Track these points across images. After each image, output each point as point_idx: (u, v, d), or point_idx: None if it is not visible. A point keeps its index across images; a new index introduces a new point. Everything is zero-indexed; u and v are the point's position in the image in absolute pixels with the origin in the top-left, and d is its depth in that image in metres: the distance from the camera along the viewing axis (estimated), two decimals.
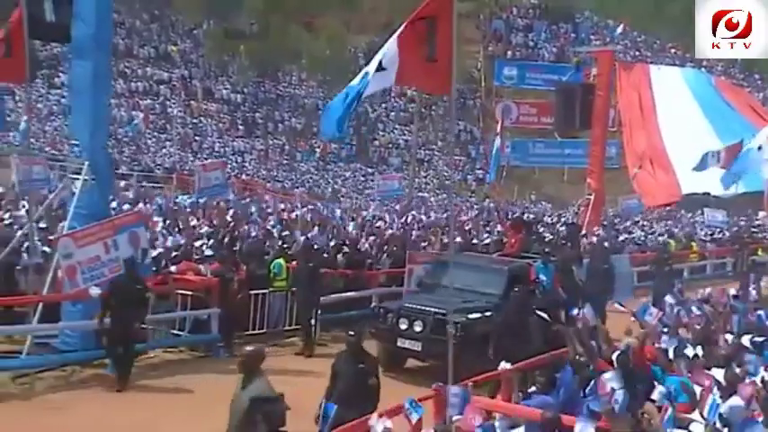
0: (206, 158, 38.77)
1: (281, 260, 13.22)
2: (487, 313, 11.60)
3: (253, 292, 13.16)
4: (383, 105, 48.54)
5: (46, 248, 12.39)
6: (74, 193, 11.54)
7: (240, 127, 45.18)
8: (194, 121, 44.14)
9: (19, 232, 12.58)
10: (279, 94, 48.29)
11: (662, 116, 18.98)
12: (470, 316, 11.47)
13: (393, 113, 48.68)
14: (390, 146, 47.10)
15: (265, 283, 13.37)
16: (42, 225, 13.35)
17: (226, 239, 15.10)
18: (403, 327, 11.70)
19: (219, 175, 15.90)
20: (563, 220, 26.01)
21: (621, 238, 23.60)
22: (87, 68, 11.42)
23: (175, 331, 12.55)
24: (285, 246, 15.22)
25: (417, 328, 11.59)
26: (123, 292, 10.59)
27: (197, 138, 42.80)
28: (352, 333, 8.21)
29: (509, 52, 50.31)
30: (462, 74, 43.97)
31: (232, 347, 12.14)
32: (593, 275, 14.98)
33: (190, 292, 12.51)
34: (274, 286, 13.33)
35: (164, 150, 40.48)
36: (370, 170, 43.86)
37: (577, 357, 8.10)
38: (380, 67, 7.24)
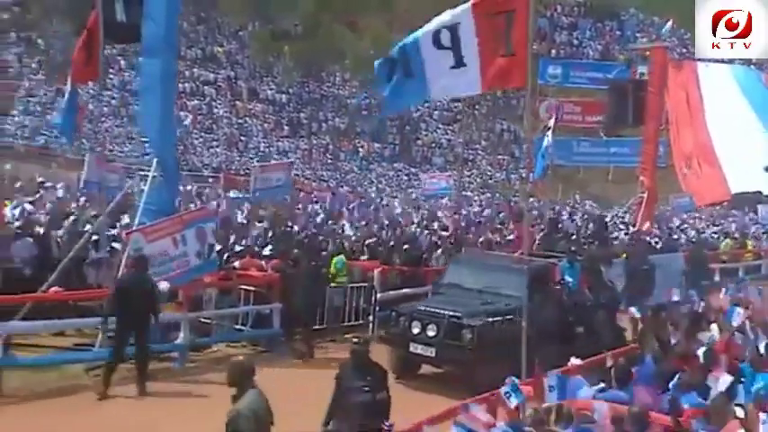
0: (252, 158, 39.32)
1: (342, 257, 13.32)
2: (508, 316, 10.86)
3: None
4: (426, 105, 48.48)
5: (114, 244, 12.67)
6: (142, 191, 11.75)
7: (285, 127, 45.59)
8: (240, 121, 44.67)
9: (89, 228, 12.86)
10: (323, 95, 48.58)
11: (710, 113, 18.76)
12: (489, 319, 10.90)
13: (436, 113, 48.63)
14: (433, 145, 47.07)
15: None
16: None
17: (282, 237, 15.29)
18: (415, 331, 11.03)
19: (283, 176, 15.84)
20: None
21: (675, 236, 23.29)
22: (156, 67, 11.65)
23: (238, 326, 12.73)
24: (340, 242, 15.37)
25: (431, 333, 10.92)
26: (132, 290, 10.05)
27: (243, 138, 43.37)
28: (357, 341, 7.28)
29: (553, 51, 49.83)
30: None
31: (293, 343, 12.30)
32: (633, 276, 14.74)
33: (252, 288, 12.69)
34: (337, 282, 13.42)
35: (210, 150, 41.07)
36: (413, 170, 43.92)
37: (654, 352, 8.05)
38: (461, 63, 7.26)
